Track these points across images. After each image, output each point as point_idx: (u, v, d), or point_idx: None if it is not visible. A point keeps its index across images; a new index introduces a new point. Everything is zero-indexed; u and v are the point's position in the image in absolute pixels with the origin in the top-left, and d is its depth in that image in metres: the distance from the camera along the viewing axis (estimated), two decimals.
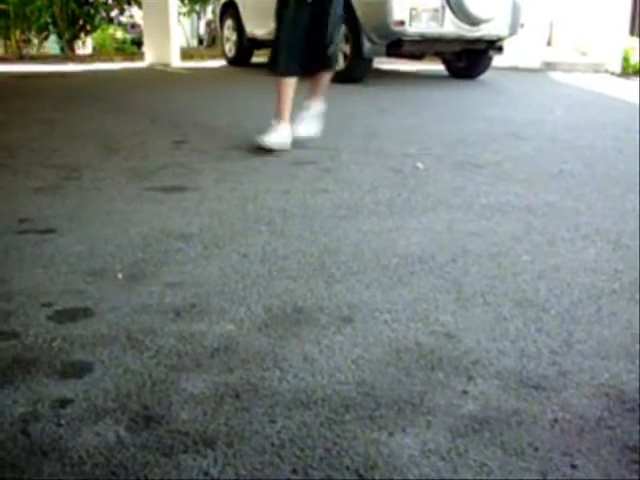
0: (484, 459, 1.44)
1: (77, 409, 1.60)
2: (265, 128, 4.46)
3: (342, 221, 3.01)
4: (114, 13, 15.85)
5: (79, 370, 1.78)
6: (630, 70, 10.51)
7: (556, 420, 1.57)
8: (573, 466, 1.42)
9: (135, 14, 16.68)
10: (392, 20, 7.89)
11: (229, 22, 10.84)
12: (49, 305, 2.15)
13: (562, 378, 1.75)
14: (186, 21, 18.08)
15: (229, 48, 11.07)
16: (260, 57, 11.12)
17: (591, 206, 3.28)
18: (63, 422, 1.55)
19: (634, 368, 1.81)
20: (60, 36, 14.79)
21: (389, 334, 1.98)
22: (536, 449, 1.47)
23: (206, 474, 1.39)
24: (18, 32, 14.19)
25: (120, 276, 2.40)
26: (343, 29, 7.99)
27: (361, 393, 1.68)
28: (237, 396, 1.66)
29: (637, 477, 1.39)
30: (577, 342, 1.94)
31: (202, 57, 13.14)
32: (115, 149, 4.55)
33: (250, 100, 7.13)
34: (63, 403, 1.63)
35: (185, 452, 1.45)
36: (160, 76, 10.07)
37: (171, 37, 11.54)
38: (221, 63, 11.30)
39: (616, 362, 1.84)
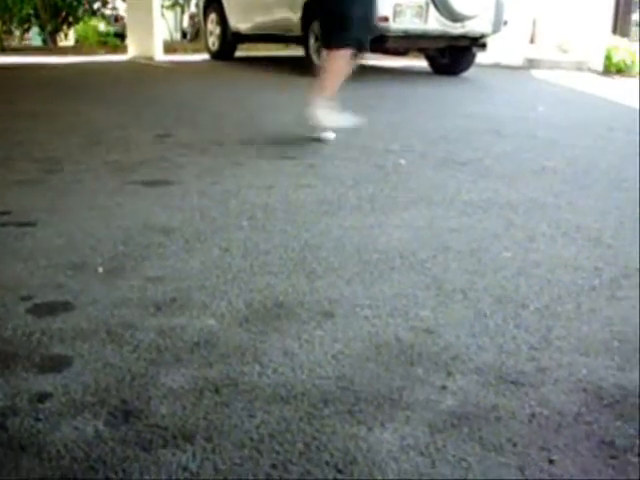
0: (462, 454, 1.44)
1: (56, 403, 1.60)
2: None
3: (324, 216, 3.01)
4: (97, 5, 15.76)
5: (58, 364, 1.77)
6: (612, 69, 10.57)
7: (534, 415, 1.58)
8: (551, 461, 1.43)
9: (118, 7, 16.61)
10: (376, 16, 7.88)
11: (213, 16, 10.80)
12: (28, 298, 2.14)
13: (540, 374, 1.76)
14: (170, 14, 18.00)
15: (212, 42, 11.03)
16: (243, 51, 11.10)
17: (572, 203, 3.30)
18: (42, 416, 1.54)
19: (612, 364, 1.82)
20: (42, 28, 14.71)
21: (369, 329, 1.98)
22: (514, 444, 1.48)
23: (185, 469, 1.39)
24: (0, 23, 14.09)
25: (100, 270, 2.38)
26: None
27: (340, 388, 1.68)
28: (217, 391, 1.66)
29: (614, 472, 1.40)
30: (556, 338, 1.96)
31: (185, 51, 13.10)
32: (98, 142, 4.53)
33: (233, 94, 7.11)
34: (42, 397, 1.62)
35: (164, 447, 1.45)
36: (143, 69, 10.03)
37: (154, 30, 11.48)
38: (204, 57, 11.26)
39: (595, 358, 1.85)
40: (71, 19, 15.17)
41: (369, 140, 4.67)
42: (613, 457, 1.45)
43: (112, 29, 16.46)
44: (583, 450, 1.47)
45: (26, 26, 15.00)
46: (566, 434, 1.52)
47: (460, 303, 2.18)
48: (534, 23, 11.66)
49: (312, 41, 8.54)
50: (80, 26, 15.69)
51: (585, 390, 1.70)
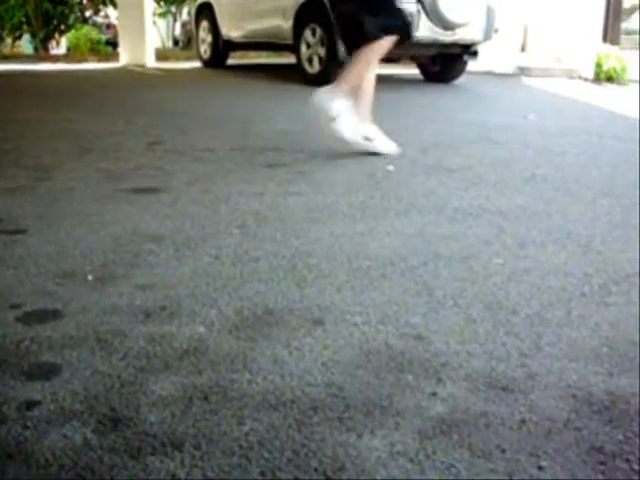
0: (452, 461, 1.44)
1: (44, 411, 1.59)
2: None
3: (315, 224, 3.01)
4: (89, 13, 15.78)
5: (47, 372, 1.76)
6: (603, 76, 10.62)
7: (523, 422, 1.58)
8: (540, 467, 1.43)
9: (110, 14, 16.63)
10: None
11: (205, 24, 10.83)
12: (18, 306, 2.13)
13: (530, 380, 1.76)
14: (162, 22, 18.03)
15: (204, 50, 11.06)
16: (235, 59, 11.11)
17: (562, 210, 3.31)
18: (29, 424, 1.54)
19: (602, 370, 1.82)
20: (34, 35, 14.71)
21: (359, 336, 1.98)
22: (503, 450, 1.48)
23: (173, 476, 1.38)
24: None
25: (90, 277, 2.38)
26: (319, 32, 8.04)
27: (330, 395, 1.68)
28: (206, 398, 1.65)
29: (602, 477, 1.40)
30: (546, 345, 1.96)
31: (177, 58, 13.13)
32: (88, 150, 4.52)
33: (225, 102, 7.12)
34: (30, 405, 1.61)
35: (152, 454, 1.44)
36: (135, 77, 10.03)
37: (146, 38, 11.52)
38: (196, 65, 11.28)
39: (584, 364, 1.85)
40: (63, 27, 15.18)
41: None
42: (602, 463, 1.45)
43: (104, 37, 16.46)
44: (572, 456, 1.47)
45: (17, 34, 15.00)
46: (555, 440, 1.52)
47: (450, 310, 2.18)
48: (525, 31, 11.73)
49: (304, 49, 8.57)
50: (72, 34, 15.68)
51: (575, 396, 1.70)
